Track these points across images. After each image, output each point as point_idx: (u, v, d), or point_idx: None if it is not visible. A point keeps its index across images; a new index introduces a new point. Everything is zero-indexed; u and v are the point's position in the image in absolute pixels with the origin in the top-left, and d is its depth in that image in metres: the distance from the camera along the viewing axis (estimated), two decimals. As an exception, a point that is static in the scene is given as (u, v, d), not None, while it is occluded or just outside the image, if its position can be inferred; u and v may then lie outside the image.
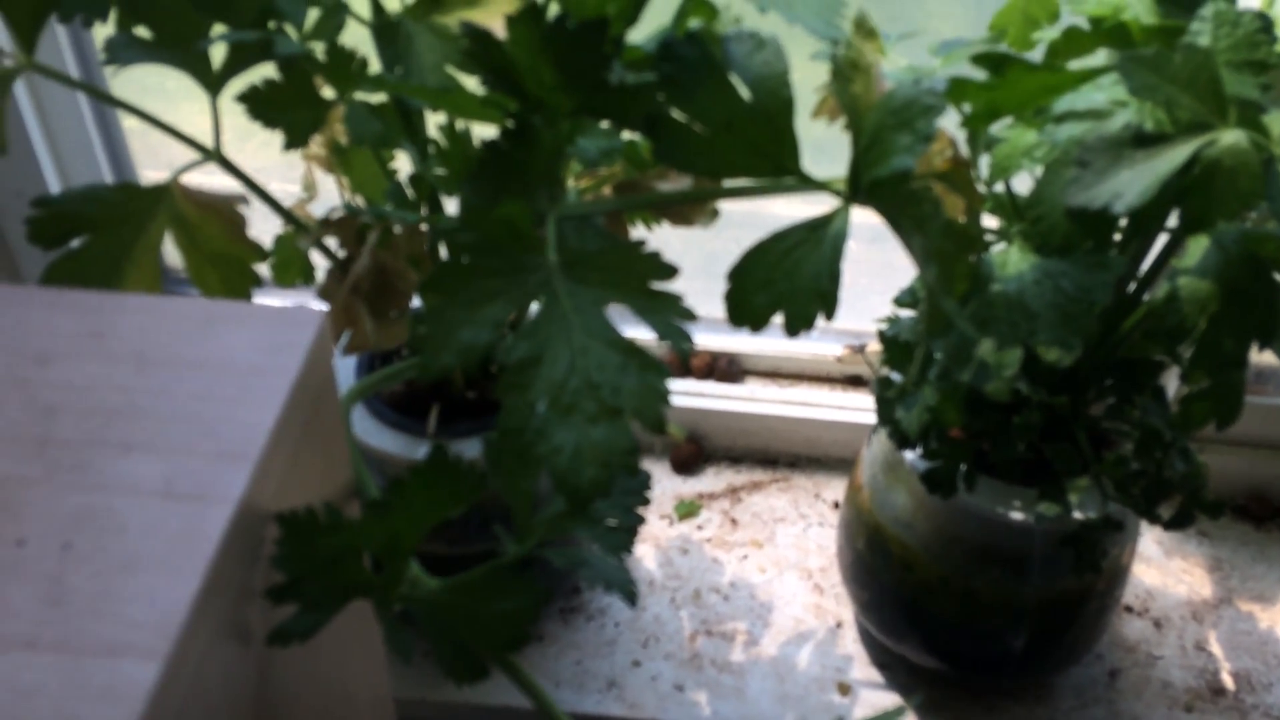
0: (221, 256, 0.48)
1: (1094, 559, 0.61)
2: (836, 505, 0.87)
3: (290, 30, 0.52)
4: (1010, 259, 0.49)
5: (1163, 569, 0.83)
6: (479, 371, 0.66)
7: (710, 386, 0.90)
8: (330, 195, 0.67)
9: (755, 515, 0.85)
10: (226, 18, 0.50)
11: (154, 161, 0.94)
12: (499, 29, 0.50)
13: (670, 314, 0.41)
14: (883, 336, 0.64)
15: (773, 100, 0.41)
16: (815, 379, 0.93)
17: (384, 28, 0.51)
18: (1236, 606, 0.80)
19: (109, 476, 0.34)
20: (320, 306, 0.58)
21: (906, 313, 0.65)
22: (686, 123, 0.42)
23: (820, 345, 0.91)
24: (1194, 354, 0.46)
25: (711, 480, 0.88)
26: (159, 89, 0.89)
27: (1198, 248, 0.46)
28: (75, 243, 0.48)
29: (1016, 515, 0.62)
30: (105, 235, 0.48)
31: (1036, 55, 0.63)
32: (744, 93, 0.42)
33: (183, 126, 0.54)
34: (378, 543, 0.38)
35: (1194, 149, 0.39)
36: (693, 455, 0.88)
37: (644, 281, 0.41)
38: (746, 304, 0.42)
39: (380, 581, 0.39)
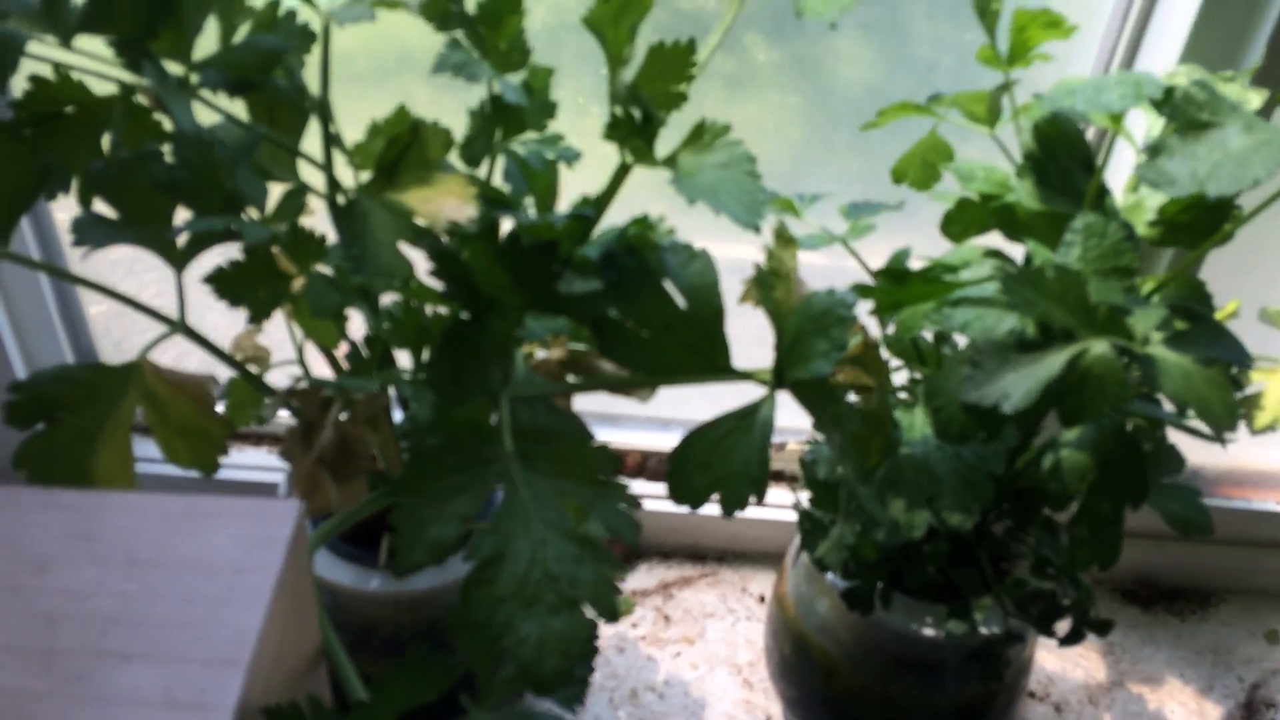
0: (191, 430, 0.52)
1: (998, 670, 0.67)
2: (762, 599, 0.92)
3: (252, 211, 0.55)
4: (915, 422, 0.55)
5: (1061, 655, 0.90)
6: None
7: (642, 485, 0.95)
8: (276, 324, 0.70)
9: (686, 611, 0.90)
10: (192, 202, 0.53)
11: (111, 335, 0.95)
12: (449, 209, 0.55)
13: (616, 501, 0.45)
14: (803, 464, 0.70)
15: (706, 308, 0.46)
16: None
17: (341, 209, 0.55)
18: (1128, 689, 0.87)
19: (112, 688, 0.37)
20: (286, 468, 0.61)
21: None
22: (628, 325, 0.47)
23: (745, 444, 0.97)
24: (1076, 514, 0.52)
25: (644, 576, 0.93)
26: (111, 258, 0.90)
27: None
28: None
29: (928, 631, 0.68)
30: (77, 414, 0.50)
31: (940, 191, 0.70)
32: (679, 300, 0.47)
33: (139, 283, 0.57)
34: (356, 730, 0.41)
35: (1068, 357, 0.45)
36: (627, 552, 0.93)
37: (593, 473, 0.45)
38: (686, 485, 0.47)
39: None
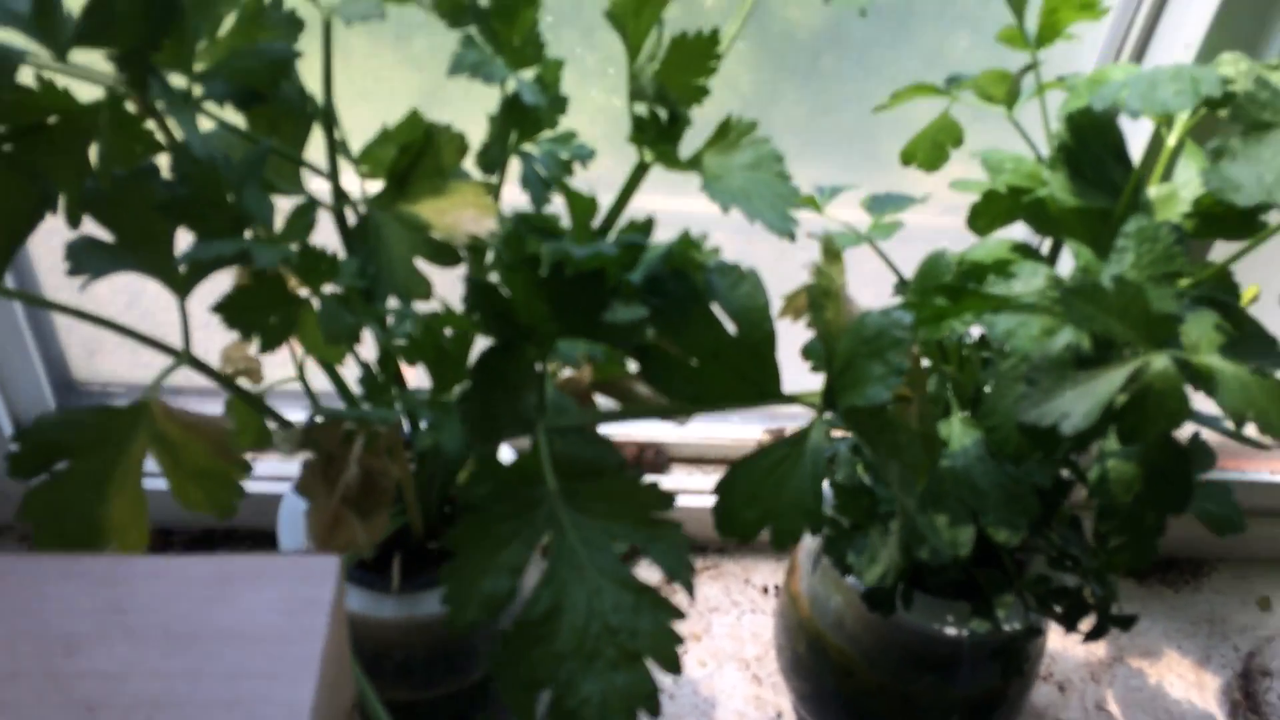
0: (205, 472, 0.49)
1: (1019, 665, 0.67)
2: (765, 590, 0.91)
3: (260, 229, 0.52)
4: (954, 432, 0.54)
5: (1060, 630, 0.90)
6: (438, 519, 0.67)
7: (639, 477, 0.93)
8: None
9: (691, 606, 0.89)
10: (195, 223, 0.50)
11: (85, 346, 0.91)
12: (468, 221, 0.52)
13: (672, 542, 0.43)
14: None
15: (756, 332, 0.44)
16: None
17: (355, 226, 0.52)
18: (1128, 664, 0.88)
19: (161, 780, 0.35)
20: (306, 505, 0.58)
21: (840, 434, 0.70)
22: (675, 354, 0.45)
23: (742, 429, 0.95)
24: (1119, 523, 0.51)
25: (646, 570, 0.91)
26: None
27: (1122, 428, 0.51)
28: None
29: (949, 629, 0.67)
30: (85, 460, 0.47)
31: (943, 173, 0.69)
32: (728, 325, 0.45)
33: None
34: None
35: (1129, 373, 0.44)
36: (630, 549, 0.91)
37: (646, 512, 0.43)
38: (735, 518, 0.45)
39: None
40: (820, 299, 0.45)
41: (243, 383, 0.66)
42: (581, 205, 0.46)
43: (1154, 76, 0.48)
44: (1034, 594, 0.65)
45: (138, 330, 0.51)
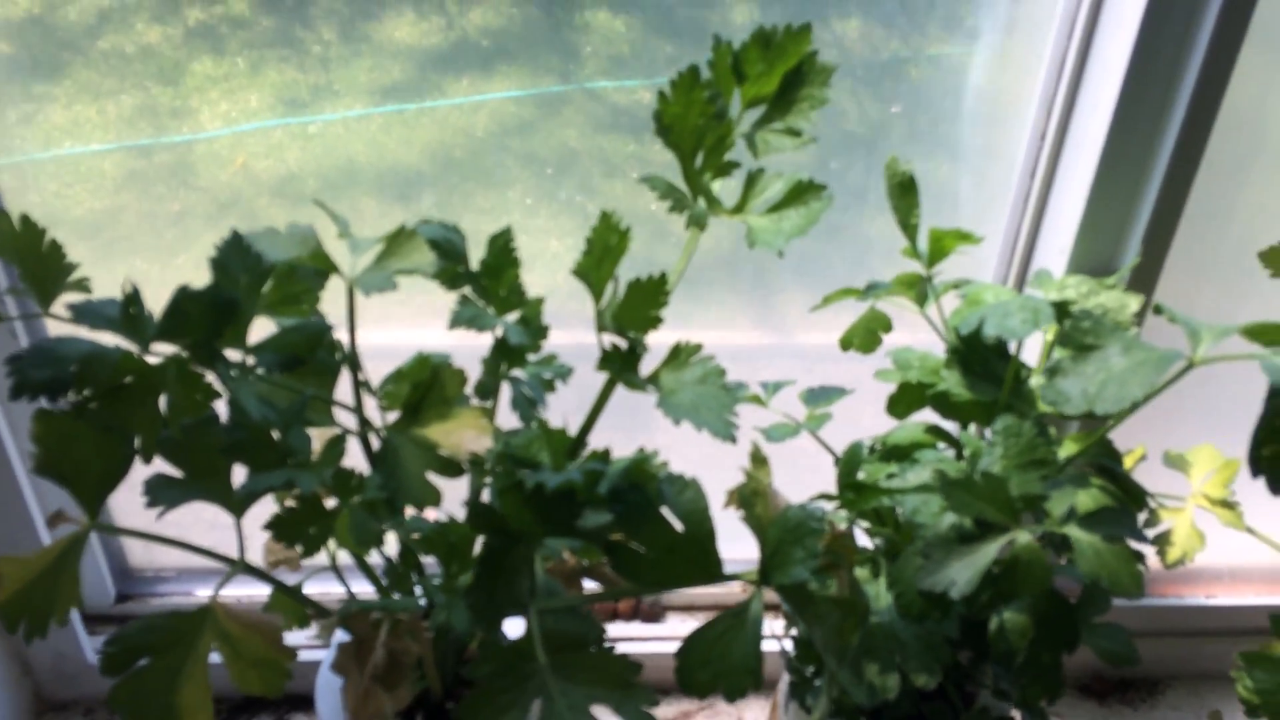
0: (261, 661, 0.59)
1: (972, 789, 0.75)
2: (756, 726, 1.00)
3: (301, 459, 0.64)
4: (880, 592, 0.65)
5: (1031, 752, 0.98)
6: (454, 682, 0.77)
7: (637, 628, 1.03)
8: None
9: (685, 745, 0.98)
10: (249, 460, 0.62)
11: (145, 554, 1.03)
12: (469, 441, 0.64)
13: (640, 703, 0.54)
14: (787, 615, 0.78)
15: (700, 529, 0.56)
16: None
17: (377, 450, 0.64)
18: (1092, 781, 0.96)
19: None
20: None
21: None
22: (636, 549, 0.56)
23: (727, 579, 1.05)
24: (1021, 665, 0.61)
25: (645, 714, 1.00)
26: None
27: (1015, 582, 0.62)
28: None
29: (908, 759, 0.76)
30: (162, 657, 0.58)
31: (884, 370, 0.80)
32: (677, 524, 0.56)
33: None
34: None
35: (1000, 546, 0.55)
36: (628, 695, 1.00)
37: (620, 679, 0.54)
38: (693, 679, 0.56)
39: None
40: (750, 498, 0.57)
41: (283, 571, 0.77)
42: (556, 438, 0.58)
43: (1007, 306, 0.60)
44: (977, 724, 0.74)
45: (200, 545, 0.63)
